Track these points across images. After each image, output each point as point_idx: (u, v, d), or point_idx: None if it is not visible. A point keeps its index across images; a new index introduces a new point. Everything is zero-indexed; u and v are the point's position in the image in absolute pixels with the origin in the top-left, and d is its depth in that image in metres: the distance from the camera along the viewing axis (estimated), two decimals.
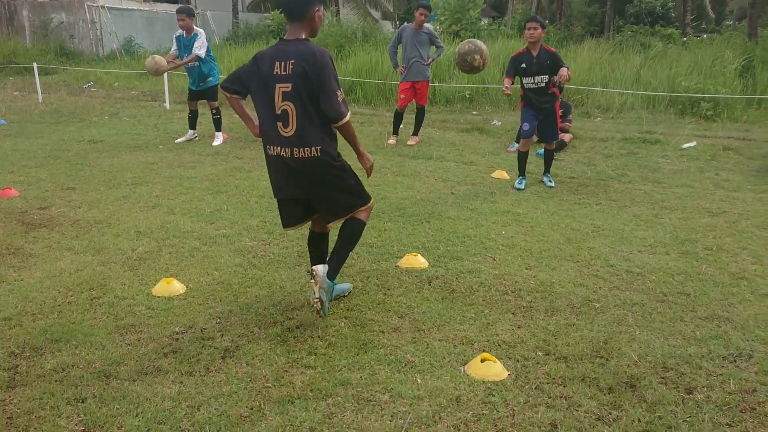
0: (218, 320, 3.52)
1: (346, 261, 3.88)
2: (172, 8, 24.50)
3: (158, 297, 3.80)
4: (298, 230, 5.06)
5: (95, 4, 22.12)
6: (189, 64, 8.48)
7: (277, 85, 3.18)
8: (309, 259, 3.80)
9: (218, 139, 8.91)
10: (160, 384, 2.87)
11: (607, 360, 3.13)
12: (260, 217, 5.40)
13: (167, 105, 12.88)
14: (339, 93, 3.18)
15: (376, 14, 27.03)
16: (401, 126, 9.19)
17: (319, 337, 3.33)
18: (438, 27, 18.68)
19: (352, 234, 3.53)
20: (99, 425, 2.57)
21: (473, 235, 4.99)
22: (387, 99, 13.16)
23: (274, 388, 2.85)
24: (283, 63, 3.17)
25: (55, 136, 9.53)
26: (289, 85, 3.15)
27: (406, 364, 3.06)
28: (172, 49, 8.64)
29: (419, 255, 4.42)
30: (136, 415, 2.63)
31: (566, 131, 8.85)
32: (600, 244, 4.84)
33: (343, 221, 3.53)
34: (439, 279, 4.13)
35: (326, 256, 3.69)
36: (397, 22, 27.01)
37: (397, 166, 7.55)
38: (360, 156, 3.49)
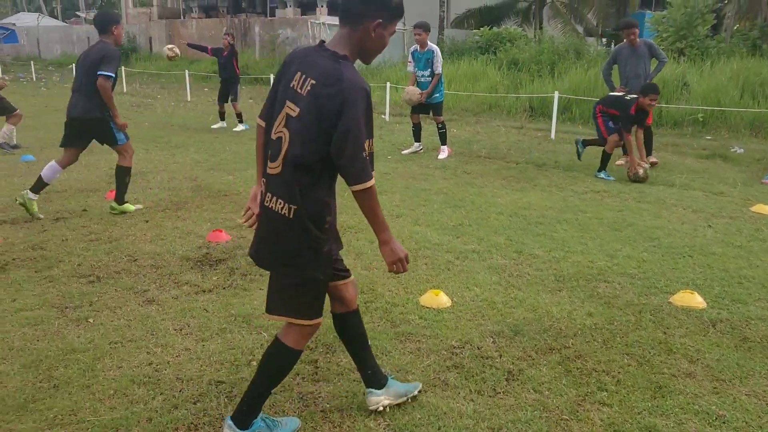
0: (492, 339, 3.47)
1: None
2: None
3: (427, 308, 3.86)
4: (553, 248, 4.86)
5: (317, 21, 23.90)
6: (421, 78, 8.74)
7: (287, 102, 2.31)
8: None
9: (443, 153, 9.04)
10: (452, 399, 2.87)
11: None
12: (505, 235, 5.33)
13: (386, 117, 13.44)
14: (367, 146, 2.21)
15: (579, 29, 25.99)
16: None
17: (604, 371, 3.14)
18: (661, 44, 17.47)
19: (270, 366, 2.47)
20: None
21: (750, 276, 4.46)
22: None
23: (572, 421, 2.71)
24: (304, 77, 2.28)
25: None
26: (298, 109, 2.26)
27: (716, 418, 2.75)
28: (409, 64, 8.92)
29: (696, 293, 4.04)
30: (438, 428, 2.64)
31: None
32: None
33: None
34: (724, 323, 3.72)
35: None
36: (604, 40, 25.71)
37: (637, 191, 7.07)
38: (381, 243, 2.37)
